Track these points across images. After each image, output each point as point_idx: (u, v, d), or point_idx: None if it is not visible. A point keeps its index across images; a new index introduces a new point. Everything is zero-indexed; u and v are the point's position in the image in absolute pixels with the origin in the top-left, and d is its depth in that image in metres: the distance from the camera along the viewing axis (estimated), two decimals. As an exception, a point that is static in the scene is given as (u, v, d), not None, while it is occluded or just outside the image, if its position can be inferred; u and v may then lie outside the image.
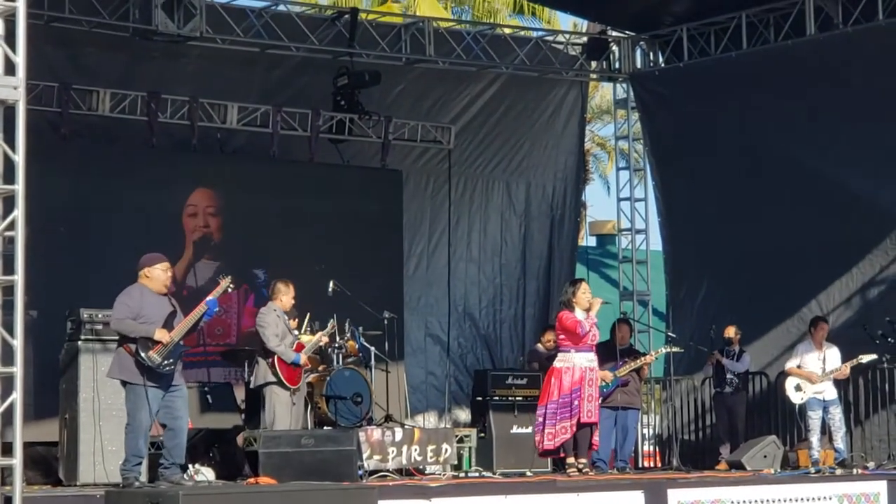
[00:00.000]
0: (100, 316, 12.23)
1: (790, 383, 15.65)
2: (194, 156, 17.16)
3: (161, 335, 10.65)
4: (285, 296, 13.45)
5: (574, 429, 12.71)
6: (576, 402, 12.72)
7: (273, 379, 13.23)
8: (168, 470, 10.67)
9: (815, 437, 15.38)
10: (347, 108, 18.12)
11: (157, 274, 10.95)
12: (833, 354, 15.57)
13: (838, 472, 14.06)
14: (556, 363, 12.99)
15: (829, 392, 15.50)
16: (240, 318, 16.75)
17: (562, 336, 13.07)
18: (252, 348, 14.26)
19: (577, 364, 12.81)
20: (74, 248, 15.83)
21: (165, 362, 10.67)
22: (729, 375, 16.75)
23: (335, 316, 14.38)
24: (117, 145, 16.68)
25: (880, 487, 12.69)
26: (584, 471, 12.79)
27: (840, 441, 15.42)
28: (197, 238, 16.83)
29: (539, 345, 17.12)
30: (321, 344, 13.89)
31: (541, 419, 12.97)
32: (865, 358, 15.53)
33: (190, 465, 12.01)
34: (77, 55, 16.55)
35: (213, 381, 15.68)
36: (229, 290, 11.48)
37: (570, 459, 12.91)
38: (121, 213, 16.19)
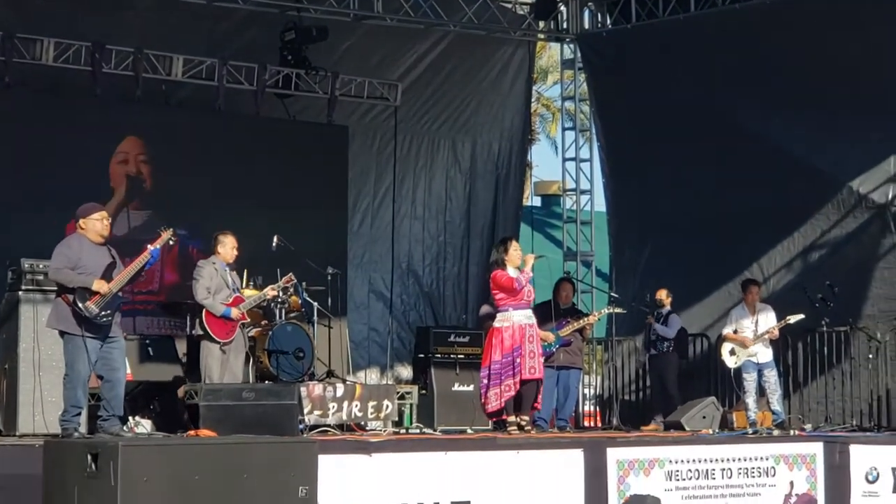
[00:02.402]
0: (41, 266, 12.11)
1: (725, 348, 15.73)
2: (137, 107, 17.02)
3: (99, 285, 10.56)
4: (224, 247, 13.36)
5: (517, 386, 12.72)
6: (517, 360, 12.72)
7: (202, 332, 13.18)
8: (107, 422, 10.61)
9: (751, 399, 15.47)
10: (294, 63, 18.03)
11: (93, 224, 10.83)
12: (767, 317, 15.62)
13: (776, 433, 14.19)
14: (496, 323, 12.99)
15: (764, 355, 15.56)
16: (163, 269, 16.66)
17: (499, 295, 13.05)
18: (183, 301, 14.23)
19: (516, 322, 12.81)
20: (15, 197, 15.72)
21: (103, 313, 10.59)
22: (658, 338, 16.69)
23: (279, 271, 14.31)
24: (61, 95, 16.55)
25: (816, 449, 12.81)
26: (525, 427, 12.82)
27: (776, 403, 15.51)
28: (126, 185, 16.71)
29: (487, 305, 16.99)
30: (268, 297, 13.80)
31: (485, 380, 12.97)
32: (793, 318, 15.59)
33: (129, 418, 11.96)
34: (21, 4, 16.36)
35: (138, 331, 15.63)
36: (171, 242, 11.39)
37: (511, 418, 12.93)
38: (62, 163, 16.10)
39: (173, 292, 16.49)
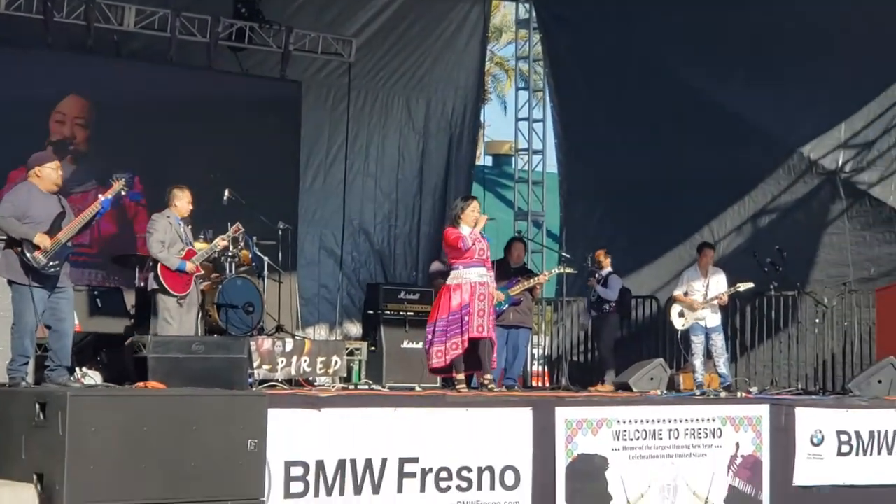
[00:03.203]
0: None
1: (674, 310, 15.77)
2: (88, 58, 16.89)
3: (41, 239, 10.45)
4: (180, 201, 13.26)
5: (465, 345, 12.69)
6: (465, 318, 12.69)
7: (157, 286, 13.11)
8: (54, 372, 10.55)
9: (698, 361, 15.55)
10: (248, 16, 17.94)
11: (48, 173, 10.73)
12: (718, 280, 15.67)
13: (722, 395, 14.27)
14: (448, 280, 12.95)
15: (712, 319, 15.62)
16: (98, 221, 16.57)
17: (450, 253, 13.03)
18: (132, 254, 14.13)
19: (467, 280, 12.77)
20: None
21: (51, 263, 10.50)
22: (598, 299, 16.58)
23: (228, 224, 14.24)
24: (10, 43, 16.36)
25: (762, 411, 12.86)
26: (489, 387, 12.81)
27: (723, 367, 15.60)
28: (65, 148, 16.59)
29: (437, 262, 16.94)
30: (219, 247, 13.73)
31: (429, 337, 12.94)
32: (742, 286, 15.64)
33: (77, 369, 11.89)
34: (-29, -50, 16.22)
35: (85, 283, 15.57)
36: (123, 192, 11.31)
37: (460, 376, 12.91)
38: (9, 112, 15.95)
39: (109, 244, 16.41)
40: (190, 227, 13.55)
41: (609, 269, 16.57)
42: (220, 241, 13.66)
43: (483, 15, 20.88)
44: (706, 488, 12.44)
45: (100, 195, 10.88)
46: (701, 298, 15.50)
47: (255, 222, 15.16)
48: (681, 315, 15.67)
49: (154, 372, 11.14)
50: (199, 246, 13.68)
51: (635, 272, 18.98)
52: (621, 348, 17.21)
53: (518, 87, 22.63)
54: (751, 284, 15.76)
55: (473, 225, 12.81)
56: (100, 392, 9.99)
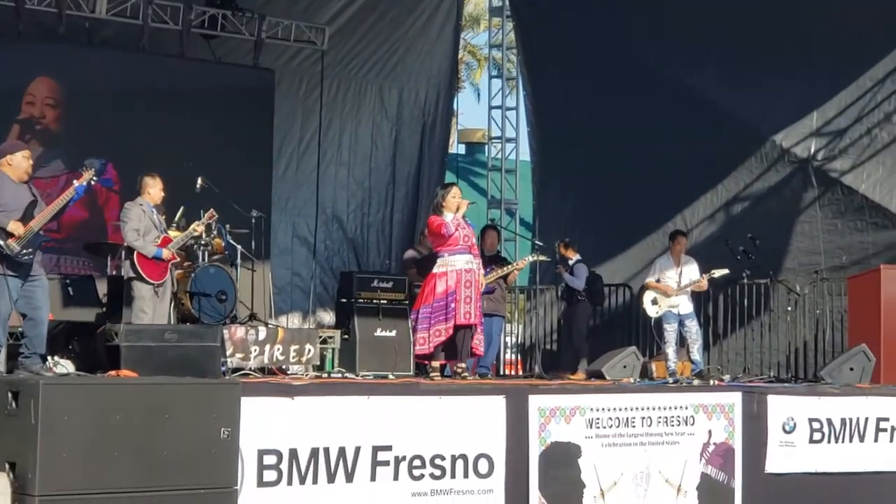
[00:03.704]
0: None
1: (647, 297, 15.79)
2: (59, 45, 16.82)
3: (14, 227, 10.42)
4: (153, 188, 13.23)
5: (450, 332, 12.67)
6: (451, 305, 12.68)
7: (133, 274, 13.08)
8: (28, 360, 10.52)
9: (671, 349, 15.59)
10: (220, 3, 17.92)
11: (19, 161, 10.69)
12: (691, 269, 15.72)
13: (695, 382, 14.30)
14: (435, 268, 12.93)
15: (685, 306, 15.66)
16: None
17: (435, 241, 13.03)
18: (104, 241, 14.06)
19: (453, 267, 12.76)
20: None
21: (24, 251, 10.47)
22: (567, 289, 16.51)
23: (201, 212, 14.20)
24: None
25: (735, 398, 12.90)
26: (462, 375, 12.81)
27: (696, 353, 15.65)
28: (20, 128, 16.51)
29: (411, 249, 16.88)
30: (196, 234, 13.68)
31: (412, 323, 12.94)
32: (717, 272, 15.70)
33: (49, 357, 11.84)
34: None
35: (58, 271, 15.52)
36: (93, 181, 11.26)
37: (435, 364, 12.93)
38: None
39: (79, 230, 16.37)
40: (164, 216, 13.52)
41: (576, 257, 16.47)
42: (197, 227, 13.64)
43: (456, 3, 20.86)
44: (679, 476, 12.48)
45: (74, 181, 10.84)
46: (675, 286, 15.53)
47: (228, 210, 15.12)
48: (654, 302, 15.69)
49: (126, 360, 11.08)
50: (173, 233, 13.64)
51: (608, 260, 19.01)
52: (594, 337, 17.21)
53: (491, 76, 22.64)
54: (726, 270, 15.82)
55: (455, 210, 12.81)
56: (72, 381, 9.96)
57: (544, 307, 19.66)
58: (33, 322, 10.64)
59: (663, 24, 18.79)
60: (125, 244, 13.20)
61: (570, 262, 16.25)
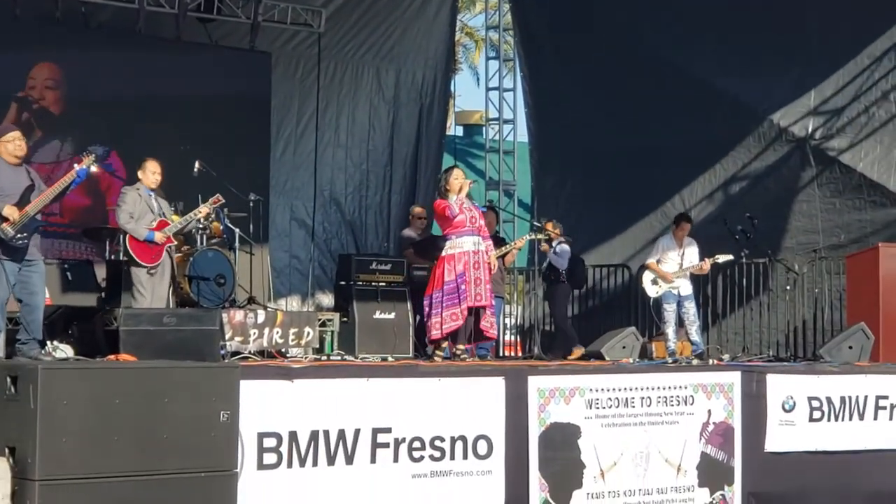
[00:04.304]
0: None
1: (647, 277, 15.78)
2: (56, 29, 16.78)
3: (9, 211, 10.39)
4: (144, 173, 13.17)
5: (465, 314, 12.65)
6: (462, 287, 12.66)
7: (127, 257, 13.08)
8: (26, 345, 10.51)
9: (670, 329, 15.58)
10: (217, -14, 17.85)
11: (5, 146, 10.62)
12: (692, 251, 15.72)
13: (694, 362, 14.30)
14: (444, 251, 12.93)
15: (685, 287, 15.66)
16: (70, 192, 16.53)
17: (442, 224, 13.03)
18: (103, 226, 14.03)
19: (461, 249, 12.75)
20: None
21: (18, 235, 10.44)
22: (549, 268, 16.40)
23: (200, 197, 14.17)
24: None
25: (734, 378, 12.92)
26: (461, 356, 12.81)
27: (695, 334, 15.63)
28: (17, 108, 16.49)
29: (408, 229, 16.87)
30: (200, 215, 13.64)
31: (427, 309, 12.94)
32: (721, 258, 15.70)
33: (48, 342, 11.84)
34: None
35: (56, 255, 15.51)
36: (93, 167, 11.24)
37: (444, 344, 12.92)
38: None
39: (81, 216, 16.37)
40: (167, 201, 13.49)
41: (561, 238, 16.33)
42: (202, 210, 13.59)
43: (453, -16, 20.84)
44: (678, 455, 12.50)
45: (75, 165, 10.82)
46: (676, 268, 15.53)
47: (226, 194, 15.04)
48: (654, 283, 15.68)
49: (125, 344, 11.08)
50: (175, 219, 13.60)
51: (607, 241, 19.02)
52: (593, 318, 17.22)
53: (489, 57, 22.62)
54: (730, 257, 15.81)
55: (458, 192, 12.81)
56: (71, 365, 9.96)
57: (543, 288, 19.64)
58: (30, 307, 10.62)
59: (660, 4, 18.78)
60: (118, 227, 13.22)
61: (554, 243, 16.08)
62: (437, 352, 12.87)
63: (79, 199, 16.25)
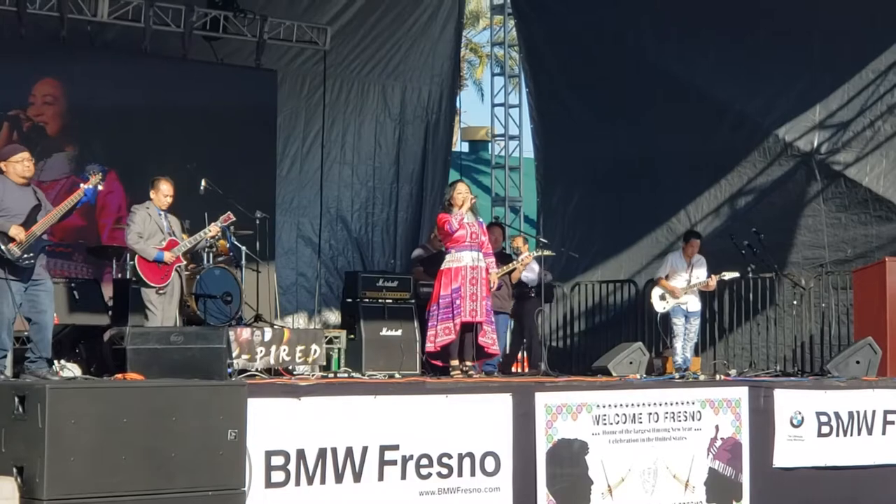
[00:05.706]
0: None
1: (656, 292, 15.81)
2: (62, 49, 16.82)
3: (16, 232, 10.42)
4: (156, 193, 13.13)
5: (457, 329, 12.67)
6: (457, 302, 12.67)
7: (135, 277, 13.08)
8: (34, 364, 10.53)
9: (679, 344, 15.59)
10: (222, 4, 17.91)
11: (14, 166, 10.63)
12: (701, 269, 15.76)
13: (702, 377, 14.28)
14: (443, 265, 12.96)
15: (693, 304, 15.71)
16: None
17: (443, 238, 13.07)
18: (109, 245, 14.06)
19: (459, 263, 12.77)
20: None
21: (25, 256, 10.47)
22: (518, 284, 16.27)
23: (206, 215, 14.17)
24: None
25: (741, 393, 12.89)
26: (468, 373, 12.79)
27: (689, 350, 15.70)
28: (9, 126, 16.52)
29: (419, 249, 16.76)
30: (211, 234, 13.62)
31: (428, 322, 12.97)
32: (728, 275, 15.74)
33: (55, 361, 11.86)
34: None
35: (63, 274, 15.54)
36: (99, 187, 11.27)
37: (454, 362, 12.90)
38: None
39: (75, 236, 16.37)
40: (175, 218, 13.46)
41: (528, 252, 16.15)
42: (214, 228, 13.56)
43: (457, 1, 20.86)
44: (686, 471, 12.47)
45: (81, 184, 10.84)
46: (684, 284, 15.54)
47: (233, 212, 15.08)
48: (663, 298, 15.71)
49: (133, 363, 11.08)
50: (184, 238, 13.58)
51: (613, 257, 19.01)
52: (600, 333, 17.19)
53: (494, 73, 22.63)
54: (736, 274, 15.85)
55: (461, 206, 12.83)
56: (79, 384, 9.95)
57: (550, 304, 19.63)
58: (38, 326, 10.64)
59: (665, 19, 18.79)
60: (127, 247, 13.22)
61: (521, 257, 15.86)
62: (453, 372, 12.85)
63: (72, 220, 16.26)
